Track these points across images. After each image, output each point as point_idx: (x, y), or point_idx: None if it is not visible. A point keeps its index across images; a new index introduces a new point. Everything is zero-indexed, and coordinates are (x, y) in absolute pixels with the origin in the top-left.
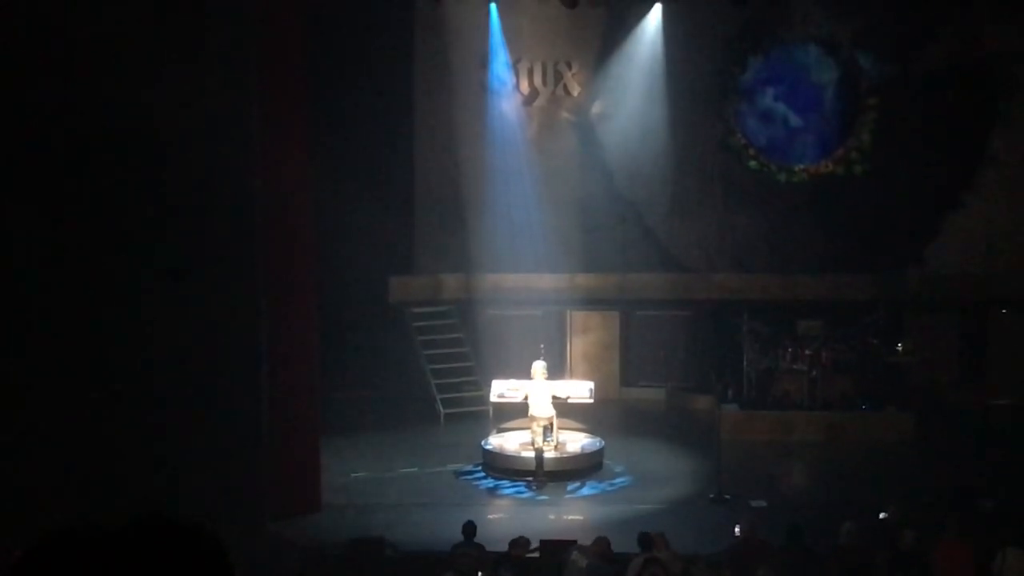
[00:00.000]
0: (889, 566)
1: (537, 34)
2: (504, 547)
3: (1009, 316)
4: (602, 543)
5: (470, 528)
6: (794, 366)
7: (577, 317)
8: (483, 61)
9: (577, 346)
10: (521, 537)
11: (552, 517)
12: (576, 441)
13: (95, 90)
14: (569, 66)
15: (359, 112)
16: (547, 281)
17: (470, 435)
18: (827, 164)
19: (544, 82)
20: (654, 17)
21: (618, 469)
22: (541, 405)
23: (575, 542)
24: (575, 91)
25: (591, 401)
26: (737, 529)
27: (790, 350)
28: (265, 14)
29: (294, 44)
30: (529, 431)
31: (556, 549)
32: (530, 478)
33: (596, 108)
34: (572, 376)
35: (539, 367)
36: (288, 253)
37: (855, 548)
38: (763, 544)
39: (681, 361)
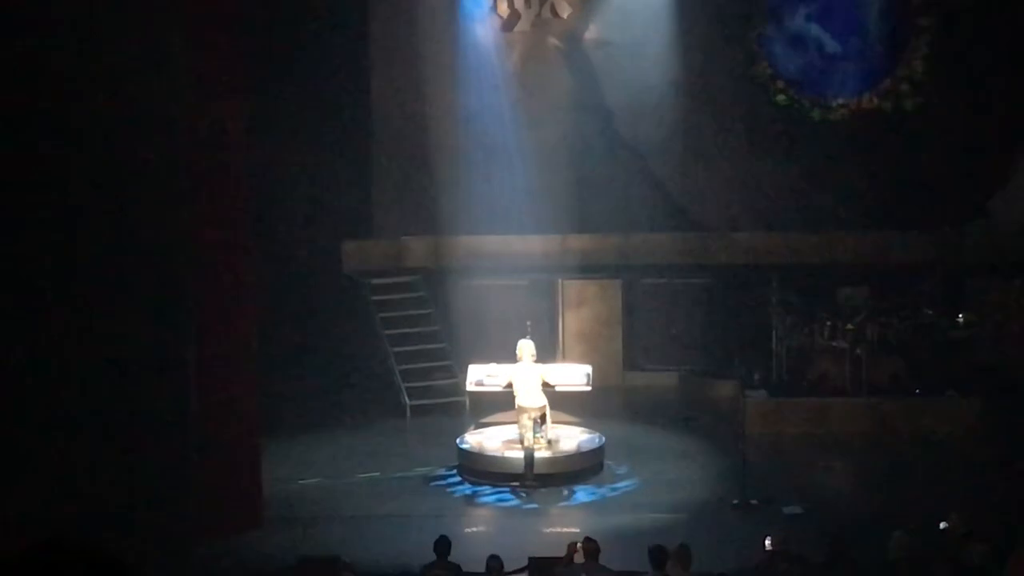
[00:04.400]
0: None
1: None
2: (483, 567)
3: None
4: (591, 544)
5: (444, 544)
6: (833, 343)
7: (571, 287)
8: None
9: (571, 322)
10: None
11: (544, 530)
12: (571, 437)
13: None
14: None
15: (302, 44)
16: (534, 244)
17: (443, 432)
18: (871, 99)
19: (527, 1)
20: None
21: (622, 471)
22: (529, 394)
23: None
24: (565, 12)
25: (588, 389)
26: (767, 541)
27: (828, 324)
28: None
29: None
30: (515, 426)
31: (547, 568)
32: (516, 483)
33: (591, 33)
34: (565, 359)
35: (526, 348)
36: (218, 213)
37: (910, 563)
38: (798, 559)
39: (697, 339)
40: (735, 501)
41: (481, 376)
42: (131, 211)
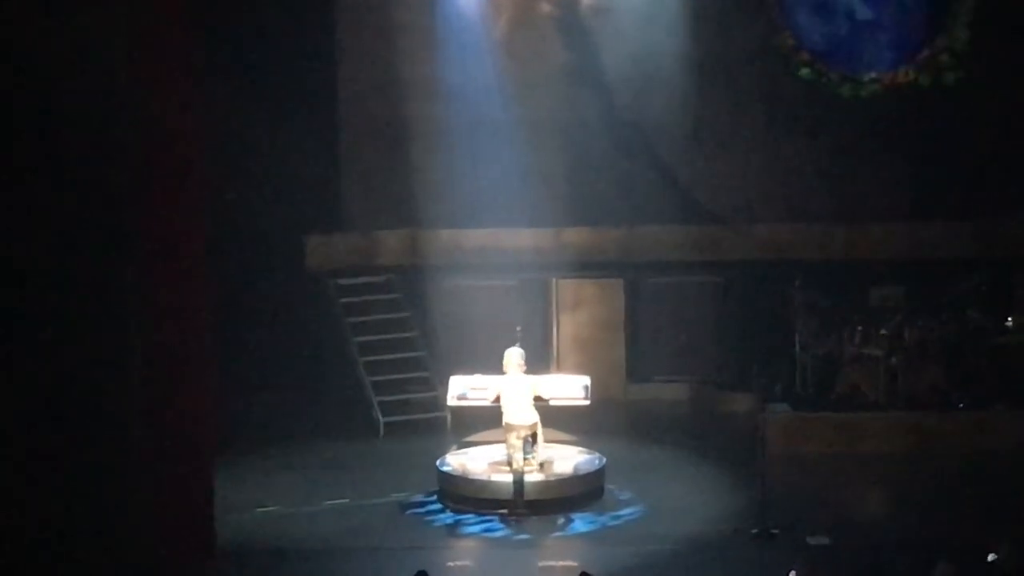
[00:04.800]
0: None
1: None
2: None
3: None
4: None
5: None
6: (866, 351)
7: (566, 287)
8: None
9: (567, 327)
10: None
11: (537, 564)
12: (567, 459)
13: None
14: None
15: (262, 11)
16: (524, 239)
17: (421, 452)
18: (908, 72)
19: None
20: None
21: (625, 496)
22: (518, 410)
23: None
24: None
25: (587, 403)
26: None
27: (860, 329)
28: None
29: None
30: (503, 446)
31: None
32: (505, 510)
33: None
34: (560, 369)
35: (514, 357)
36: (169, 203)
37: None
38: None
39: (710, 346)
40: (754, 530)
41: (464, 389)
42: (70, 207)
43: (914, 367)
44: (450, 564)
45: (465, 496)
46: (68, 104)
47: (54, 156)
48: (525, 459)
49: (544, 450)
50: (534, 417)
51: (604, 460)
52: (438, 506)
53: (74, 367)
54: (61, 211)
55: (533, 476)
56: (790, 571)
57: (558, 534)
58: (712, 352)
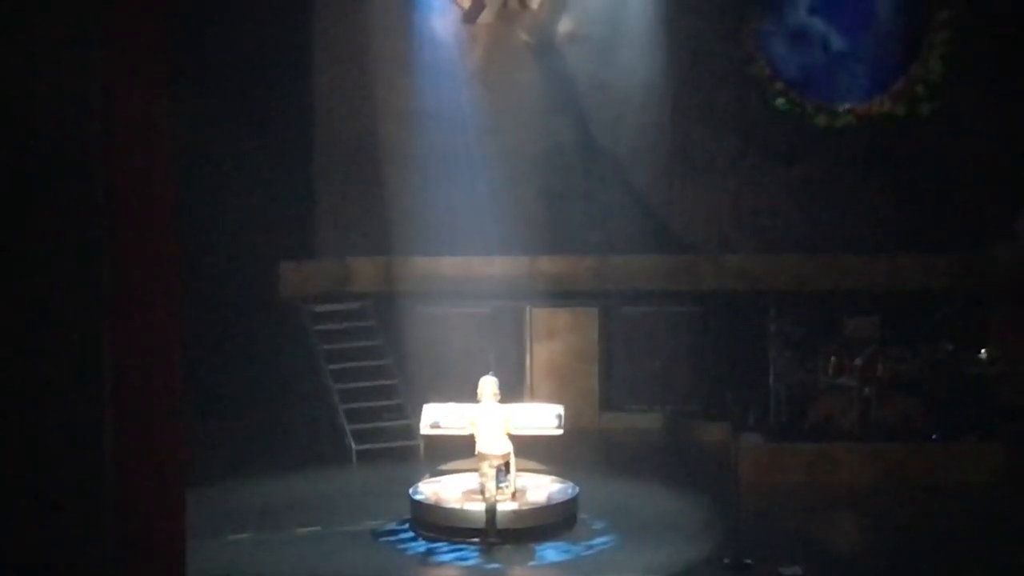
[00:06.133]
0: None
1: None
2: None
3: None
4: None
5: None
6: (839, 381)
7: (540, 316)
8: None
9: (540, 356)
10: None
11: None
12: (540, 488)
13: None
14: None
15: (238, 37)
16: (498, 266)
17: (393, 481)
18: (883, 102)
19: None
20: None
21: (598, 525)
22: (492, 439)
23: None
24: (535, 2)
25: (560, 432)
26: None
27: (834, 360)
28: None
29: None
30: (476, 474)
31: None
32: (477, 539)
33: (564, 26)
34: (534, 398)
35: (488, 386)
36: (140, 230)
37: None
38: None
39: (684, 376)
40: (726, 560)
41: (437, 417)
42: (36, 224)
43: (887, 398)
44: None
45: (438, 525)
46: (30, 137)
47: (16, 186)
48: (498, 488)
49: (517, 479)
50: (507, 446)
51: (577, 489)
52: (410, 534)
53: (41, 396)
54: (24, 237)
55: (506, 505)
56: None
57: (531, 564)
58: (686, 381)
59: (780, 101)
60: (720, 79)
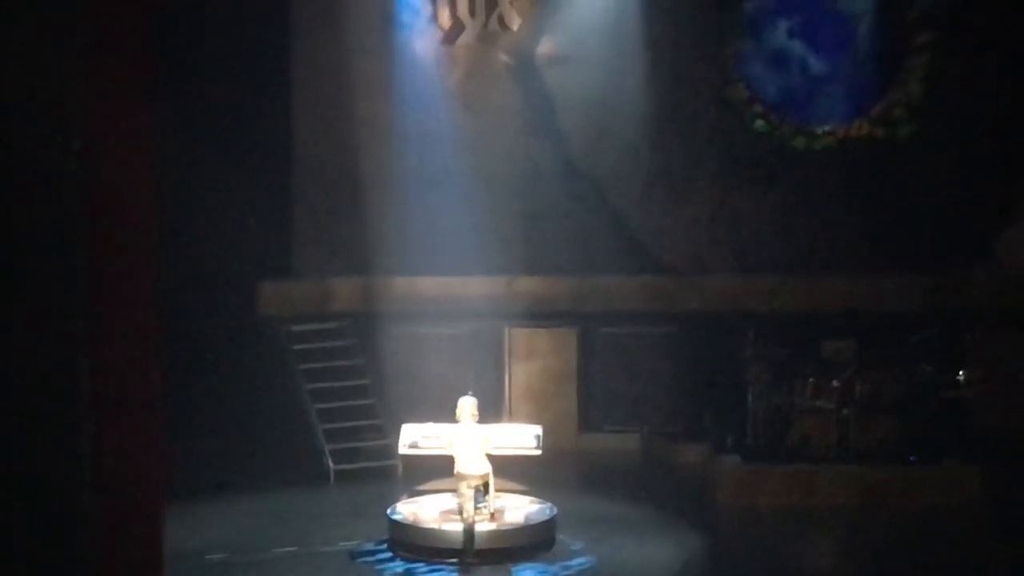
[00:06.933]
0: None
1: None
2: None
3: None
4: None
5: None
6: (817, 403)
7: (519, 336)
8: None
9: (519, 376)
10: None
11: None
12: (519, 508)
13: None
14: None
15: (216, 56)
16: (477, 287)
17: (372, 500)
18: (862, 125)
19: (472, 11)
20: None
21: (576, 547)
22: (470, 459)
23: None
24: (515, 24)
25: (538, 453)
26: None
27: (812, 381)
28: None
29: None
30: (454, 495)
31: None
32: (455, 559)
33: (544, 48)
34: (512, 419)
35: (467, 406)
36: (119, 250)
37: None
38: None
39: (662, 397)
40: None
41: (416, 437)
42: (10, 238)
43: (866, 420)
44: None
45: (416, 545)
46: (3, 149)
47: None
48: (476, 508)
49: (495, 499)
50: (486, 467)
51: (555, 510)
52: (388, 555)
53: (13, 414)
54: (9, 251)
55: (484, 525)
56: None
57: None
58: (664, 402)
59: (759, 123)
60: (700, 101)
